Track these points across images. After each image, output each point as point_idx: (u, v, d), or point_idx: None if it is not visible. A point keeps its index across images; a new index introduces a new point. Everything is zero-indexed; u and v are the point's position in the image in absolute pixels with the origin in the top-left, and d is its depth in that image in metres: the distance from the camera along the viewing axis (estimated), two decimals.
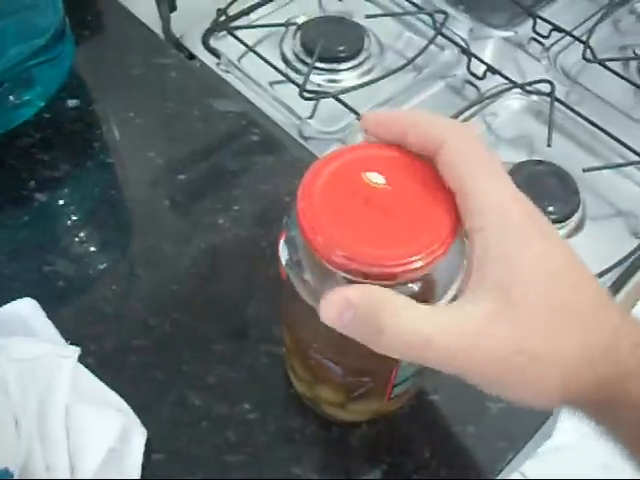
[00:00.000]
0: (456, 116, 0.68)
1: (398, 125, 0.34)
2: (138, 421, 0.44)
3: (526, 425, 0.48)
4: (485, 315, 0.30)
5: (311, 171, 0.34)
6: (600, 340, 0.31)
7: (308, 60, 0.72)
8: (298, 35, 0.75)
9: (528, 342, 0.30)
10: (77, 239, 0.55)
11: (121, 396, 0.45)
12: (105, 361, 0.48)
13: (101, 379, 0.45)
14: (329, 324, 0.32)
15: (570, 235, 0.62)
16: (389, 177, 0.33)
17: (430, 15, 0.77)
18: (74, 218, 0.56)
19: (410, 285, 0.32)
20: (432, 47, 0.74)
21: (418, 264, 0.31)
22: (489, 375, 0.31)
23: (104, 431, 0.42)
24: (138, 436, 0.44)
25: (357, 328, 0.31)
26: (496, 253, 0.31)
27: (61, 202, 0.57)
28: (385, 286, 0.31)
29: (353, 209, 0.32)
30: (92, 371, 0.45)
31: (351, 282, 0.32)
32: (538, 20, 0.78)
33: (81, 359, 0.45)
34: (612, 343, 0.31)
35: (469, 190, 0.32)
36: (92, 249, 0.54)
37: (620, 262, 0.59)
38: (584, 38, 0.76)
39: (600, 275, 0.58)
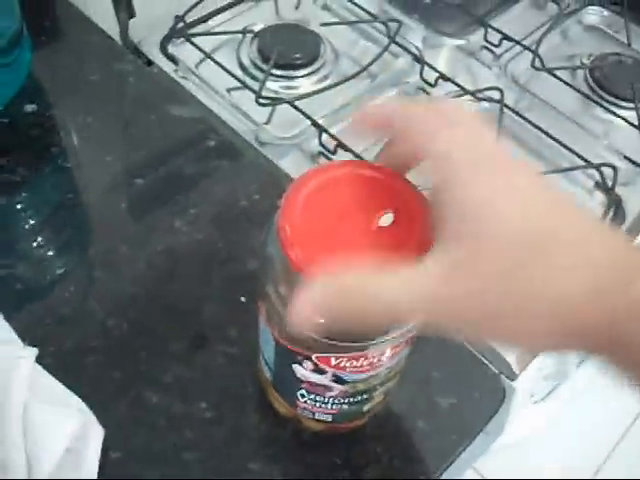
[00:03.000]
0: None
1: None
2: (96, 420, 0.45)
3: (476, 419, 0.49)
4: (445, 267, 0.29)
5: (291, 190, 0.34)
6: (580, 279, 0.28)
7: (264, 67, 0.73)
8: (255, 42, 0.76)
9: (491, 292, 0.28)
10: (35, 242, 0.55)
11: (79, 396, 0.45)
12: (63, 362, 0.48)
13: (60, 380, 0.46)
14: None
15: None
16: (365, 195, 0.34)
17: (384, 24, 0.79)
18: (32, 222, 0.56)
19: None
20: (386, 55, 0.76)
21: None
22: (463, 324, 0.30)
23: (61, 430, 0.43)
24: (96, 435, 0.44)
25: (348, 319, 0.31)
26: (450, 196, 0.30)
27: (19, 206, 0.57)
28: None
29: (331, 226, 0.33)
30: (50, 372, 0.46)
31: None
32: (489, 29, 0.80)
33: (40, 360, 0.45)
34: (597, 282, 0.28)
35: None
36: (50, 252, 0.55)
37: None
38: (533, 47, 0.78)
39: None
